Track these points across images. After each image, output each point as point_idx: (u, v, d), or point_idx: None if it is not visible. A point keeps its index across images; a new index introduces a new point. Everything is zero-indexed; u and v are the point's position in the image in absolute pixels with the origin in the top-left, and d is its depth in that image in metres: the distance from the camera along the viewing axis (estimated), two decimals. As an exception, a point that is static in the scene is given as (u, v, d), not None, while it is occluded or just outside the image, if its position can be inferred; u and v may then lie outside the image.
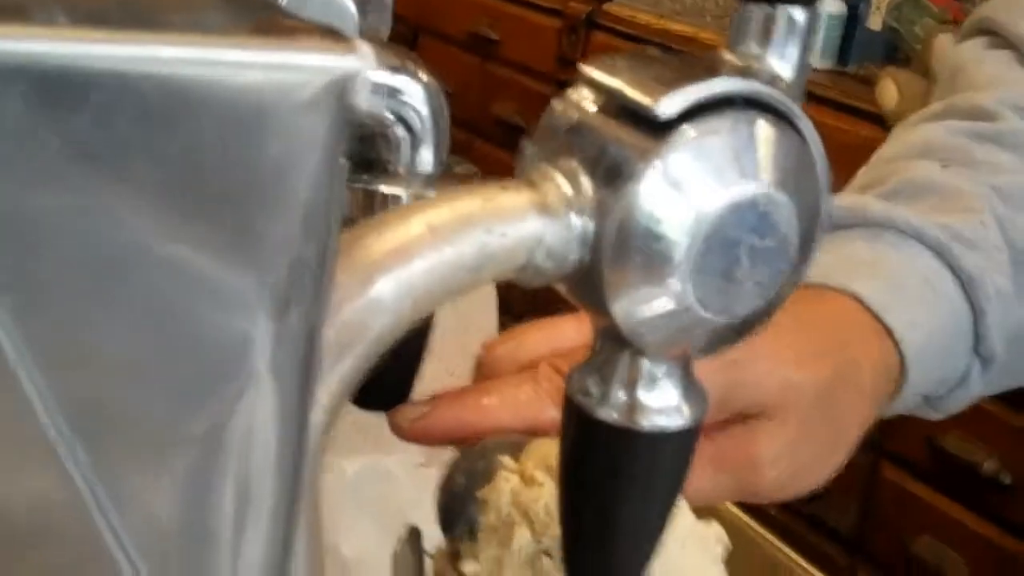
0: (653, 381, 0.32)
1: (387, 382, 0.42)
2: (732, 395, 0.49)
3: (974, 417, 1.65)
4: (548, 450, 0.45)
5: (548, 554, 0.45)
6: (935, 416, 0.64)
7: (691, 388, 0.33)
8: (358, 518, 0.82)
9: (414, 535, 0.47)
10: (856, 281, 0.56)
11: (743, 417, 0.50)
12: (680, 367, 0.32)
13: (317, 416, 0.27)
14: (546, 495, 0.44)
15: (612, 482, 0.33)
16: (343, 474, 0.82)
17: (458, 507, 0.47)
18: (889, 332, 0.55)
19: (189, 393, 0.24)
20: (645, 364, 0.31)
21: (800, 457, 0.51)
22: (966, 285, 0.57)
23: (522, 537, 0.44)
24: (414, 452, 0.87)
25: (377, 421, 0.89)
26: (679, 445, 0.34)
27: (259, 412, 0.25)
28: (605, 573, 0.35)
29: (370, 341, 0.28)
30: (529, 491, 0.45)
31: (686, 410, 0.33)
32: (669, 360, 0.32)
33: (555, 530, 0.44)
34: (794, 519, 1.78)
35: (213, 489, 0.25)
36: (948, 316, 0.57)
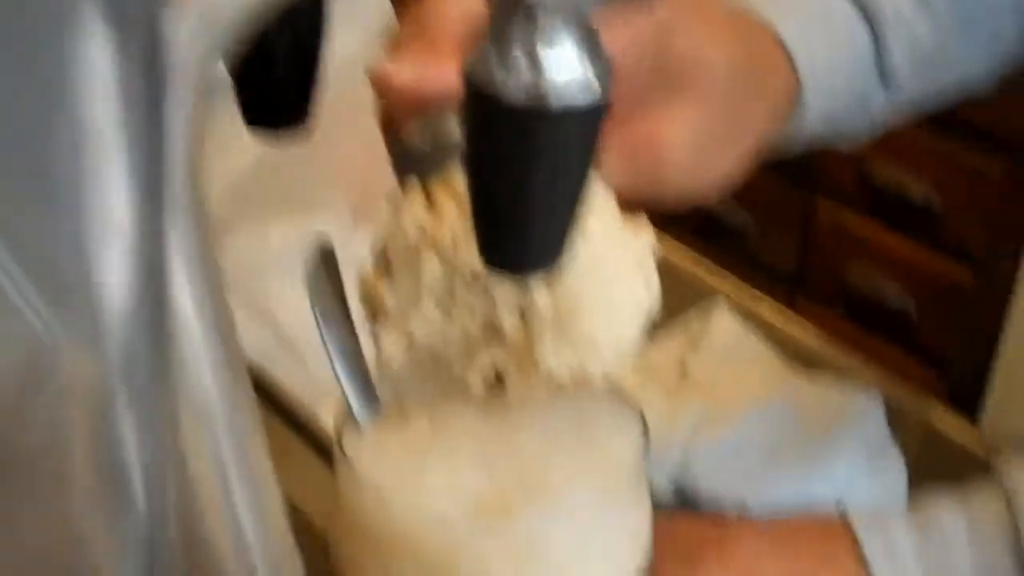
0: (552, 41, 0.30)
1: (283, 97, 0.41)
2: (661, 60, 0.49)
3: (904, 145, 1.66)
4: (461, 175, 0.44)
5: (464, 281, 0.44)
6: (843, 143, 0.64)
7: (595, 56, 0.32)
8: (292, 284, 0.81)
9: (328, 255, 0.45)
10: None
11: (656, 95, 0.50)
12: (579, 29, 0.31)
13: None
14: (451, 222, 0.43)
15: (521, 164, 0.32)
16: (267, 240, 0.81)
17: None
18: (786, 52, 0.55)
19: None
20: (542, 20, 0.30)
21: (701, 146, 0.52)
22: (863, 6, 0.58)
23: (431, 269, 0.44)
24: (341, 212, 0.86)
25: (301, 183, 0.88)
26: (588, 120, 0.32)
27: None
28: (520, 260, 0.34)
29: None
30: (434, 219, 0.44)
31: (592, 82, 0.32)
32: (565, 16, 0.30)
33: (466, 258, 0.43)
34: (736, 263, 1.81)
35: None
36: (845, 36, 0.58)
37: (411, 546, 0.42)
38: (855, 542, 0.47)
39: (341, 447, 0.45)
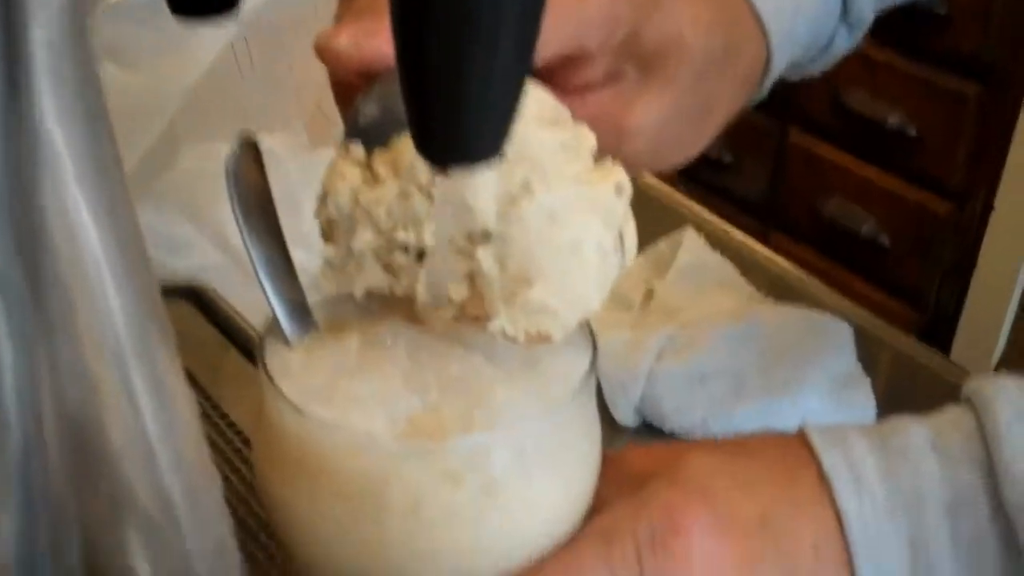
0: None
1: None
2: (640, 34, 0.48)
3: (878, 73, 1.64)
4: (403, 147, 0.41)
5: (404, 249, 0.42)
6: (794, 77, 0.63)
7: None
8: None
9: (249, 146, 0.42)
10: None
11: (628, 71, 0.49)
12: None
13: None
14: (388, 196, 0.41)
15: (455, 29, 0.28)
16: (219, 158, 0.78)
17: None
18: (759, 22, 0.54)
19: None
20: None
21: (666, 129, 0.51)
22: None
23: (363, 238, 0.42)
24: (297, 132, 0.83)
25: (257, 101, 0.85)
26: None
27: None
28: (455, 149, 0.31)
29: None
30: (370, 191, 0.42)
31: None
32: None
33: (401, 232, 0.41)
34: (709, 194, 1.79)
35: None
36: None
37: (336, 471, 0.39)
38: (814, 457, 0.45)
39: (264, 364, 0.42)
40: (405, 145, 0.41)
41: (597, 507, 0.44)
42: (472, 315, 0.42)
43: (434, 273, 0.42)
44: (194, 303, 0.75)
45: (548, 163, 0.41)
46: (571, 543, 0.42)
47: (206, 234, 0.76)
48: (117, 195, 0.25)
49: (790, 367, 0.73)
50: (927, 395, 0.76)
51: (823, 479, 0.44)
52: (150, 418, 0.25)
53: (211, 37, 0.77)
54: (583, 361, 0.43)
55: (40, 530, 0.23)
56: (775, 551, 0.44)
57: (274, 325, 0.43)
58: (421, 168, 0.40)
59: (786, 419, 0.72)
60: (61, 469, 0.23)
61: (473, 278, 0.42)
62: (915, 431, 0.45)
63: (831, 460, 0.45)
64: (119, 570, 0.26)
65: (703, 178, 1.84)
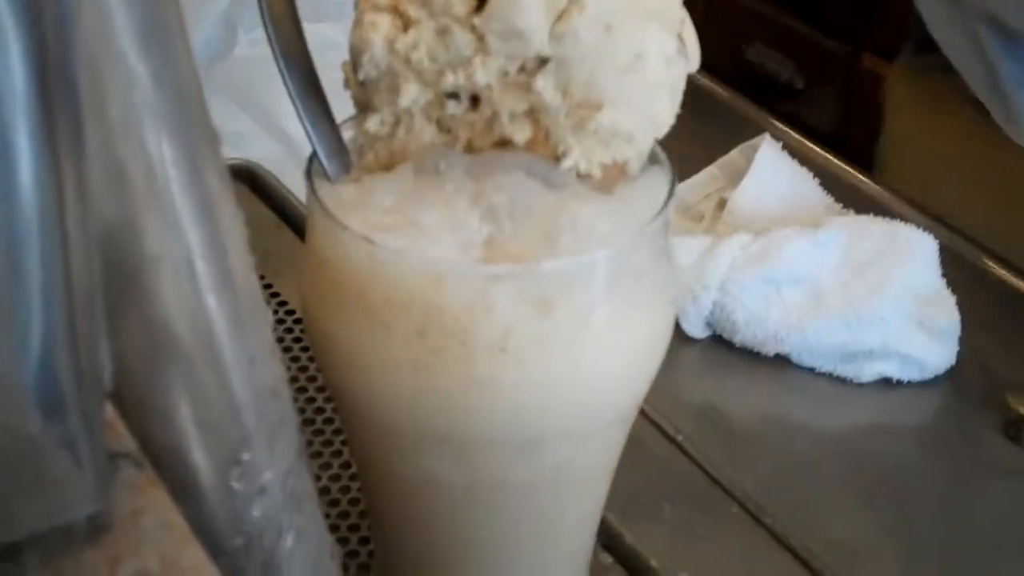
0: None
1: None
2: None
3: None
4: None
5: (454, 97, 0.38)
6: None
7: None
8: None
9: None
10: None
11: None
12: None
13: None
14: (426, 37, 0.37)
15: None
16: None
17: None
18: None
19: None
20: None
21: None
22: None
23: (409, 92, 0.38)
24: (350, 19, 0.79)
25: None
26: None
27: None
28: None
29: None
30: (405, 36, 0.38)
31: None
32: None
33: (450, 76, 0.38)
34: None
35: None
36: None
37: (415, 306, 0.36)
38: None
39: (318, 199, 0.38)
40: None
41: None
42: (540, 155, 0.39)
43: (491, 117, 0.38)
44: (248, 184, 0.72)
45: None
46: None
47: (262, 124, 0.73)
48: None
49: (871, 280, 0.69)
50: (1010, 310, 0.72)
51: None
52: (189, 223, 0.22)
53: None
54: (659, 181, 0.40)
55: (64, 359, 0.20)
56: None
57: (316, 162, 0.39)
58: None
59: (864, 336, 0.68)
60: (90, 291, 0.20)
61: (535, 114, 0.38)
62: None
63: None
64: (155, 410, 0.23)
65: (772, 103, 1.78)
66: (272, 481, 0.25)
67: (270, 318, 0.25)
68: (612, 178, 0.40)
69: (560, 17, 0.37)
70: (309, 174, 0.39)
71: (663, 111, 0.39)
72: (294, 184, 0.70)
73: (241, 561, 0.26)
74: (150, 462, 0.23)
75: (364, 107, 0.41)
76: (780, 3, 1.69)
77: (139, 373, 0.23)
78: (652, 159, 0.41)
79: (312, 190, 0.39)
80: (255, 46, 0.75)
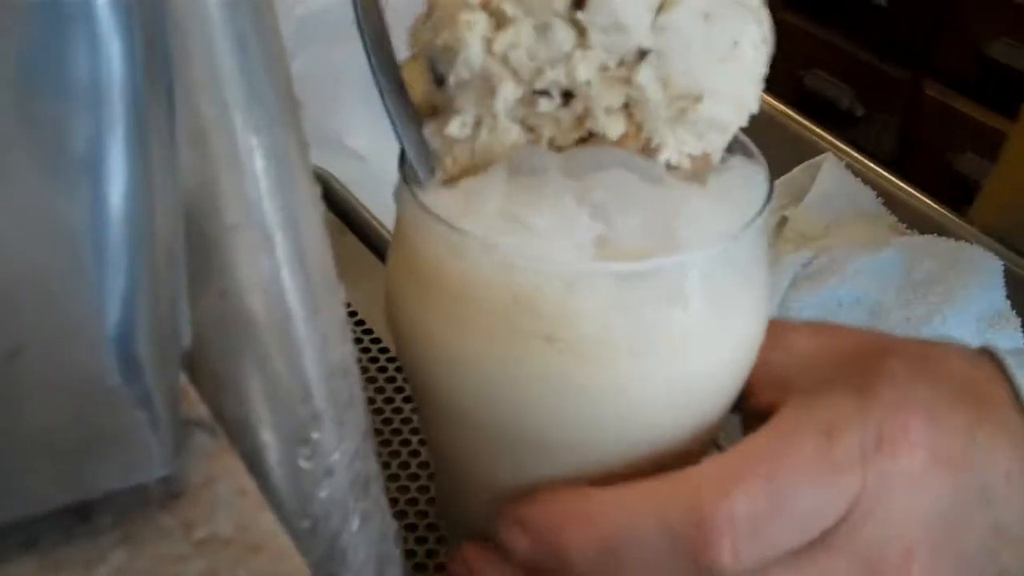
0: None
1: None
2: None
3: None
4: None
5: (546, 94, 0.38)
6: None
7: None
8: (354, 105, 0.76)
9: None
10: None
11: None
12: None
13: None
14: (524, 35, 0.37)
15: None
16: (330, 59, 0.75)
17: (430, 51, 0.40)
18: None
19: None
20: None
21: None
22: None
23: (505, 93, 0.38)
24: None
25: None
26: None
27: None
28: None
29: None
30: (503, 34, 0.37)
31: None
32: None
33: (549, 73, 0.37)
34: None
35: None
36: None
37: (538, 307, 0.35)
38: (1005, 375, 0.40)
39: (412, 193, 0.38)
40: None
41: (770, 374, 0.42)
42: (633, 151, 0.39)
43: (583, 113, 0.38)
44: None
45: None
46: (787, 435, 0.39)
47: (318, 136, 0.74)
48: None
49: (933, 301, 0.68)
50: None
51: (1017, 399, 0.40)
52: (267, 193, 0.21)
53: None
54: (749, 170, 0.40)
55: (144, 317, 0.20)
56: (974, 470, 0.40)
57: (408, 167, 0.39)
58: None
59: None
60: (173, 252, 0.20)
61: (630, 108, 0.38)
62: None
63: None
64: (227, 383, 0.23)
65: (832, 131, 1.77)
66: (339, 462, 0.25)
67: (343, 296, 0.25)
68: (700, 169, 0.40)
69: (661, 8, 0.37)
70: (405, 179, 0.39)
71: (751, 98, 0.39)
72: (359, 193, 0.70)
73: (307, 544, 0.26)
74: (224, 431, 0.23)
75: (434, 111, 0.41)
76: (839, 28, 1.68)
77: (214, 344, 0.23)
78: (736, 148, 0.41)
79: (412, 195, 0.38)
80: (311, 63, 0.76)
